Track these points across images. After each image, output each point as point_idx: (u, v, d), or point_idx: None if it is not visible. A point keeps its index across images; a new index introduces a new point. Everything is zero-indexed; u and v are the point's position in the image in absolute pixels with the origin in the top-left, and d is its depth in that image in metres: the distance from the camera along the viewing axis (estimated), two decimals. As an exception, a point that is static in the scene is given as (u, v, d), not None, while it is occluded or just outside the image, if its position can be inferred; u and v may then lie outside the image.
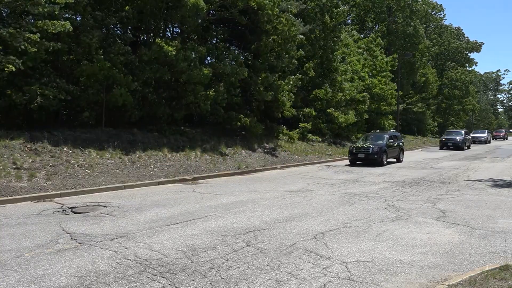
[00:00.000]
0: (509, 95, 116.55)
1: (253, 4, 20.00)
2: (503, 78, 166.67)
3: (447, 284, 4.87)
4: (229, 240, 6.64)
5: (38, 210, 8.93)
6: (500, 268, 5.29)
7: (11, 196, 9.89)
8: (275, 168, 18.60)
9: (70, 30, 13.80)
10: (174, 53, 17.07)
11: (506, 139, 62.54)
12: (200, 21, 18.92)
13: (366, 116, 33.44)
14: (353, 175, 16.17)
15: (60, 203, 9.71)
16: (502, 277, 4.96)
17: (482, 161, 23.26)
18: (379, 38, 41.81)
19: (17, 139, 13.35)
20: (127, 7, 17.90)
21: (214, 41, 23.04)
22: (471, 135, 43.90)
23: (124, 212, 8.83)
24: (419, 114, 51.04)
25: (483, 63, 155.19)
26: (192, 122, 22.91)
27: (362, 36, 44.21)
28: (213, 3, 20.04)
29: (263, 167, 18.21)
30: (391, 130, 25.65)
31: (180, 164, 16.10)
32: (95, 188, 11.47)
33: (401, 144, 23.14)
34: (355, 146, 21.12)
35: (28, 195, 10.07)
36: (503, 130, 69.73)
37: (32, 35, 13.01)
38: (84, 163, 13.58)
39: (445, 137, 36.03)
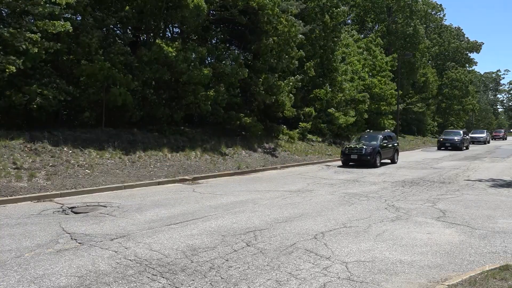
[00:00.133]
0: (509, 95, 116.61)
1: (253, 4, 20.00)
2: (503, 78, 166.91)
3: (447, 284, 4.87)
4: (229, 240, 6.64)
5: (38, 210, 8.93)
6: (500, 268, 5.29)
7: (11, 196, 9.89)
8: (275, 168, 18.61)
9: (70, 30, 13.80)
10: (174, 54, 17.07)
11: (506, 139, 62.28)
12: (200, 21, 18.90)
13: (366, 116, 33.42)
14: (353, 175, 16.17)
15: (60, 203, 9.71)
16: (502, 277, 4.96)
17: (482, 161, 23.26)
18: (379, 38, 41.82)
19: (17, 139, 13.35)
20: (127, 7, 17.89)
21: (214, 41, 23.05)
22: (470, 135, 43.48)
23: (124, 212, 8.83)
24: (419, 114, 51.01)
25: (483, 63, 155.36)
26: (192, 122, 22.91)
27: (362, 36, 44.22)
28: (213, 3, 20.04)
29: (263, 167, 18.21)
30: (386, 130, 24.77)
31: (180, 164, 16.10)
32: (95, 188, 11.47)
33: (395, 144, 22.58)
34: (347, 146, 20.59)
35: (28, 195, 10.07)
36: (502, 130, 69.23)
37: (33, 35, 13.00)
38: (84, 163, 13.57)
39: (443, 137, 35.60)
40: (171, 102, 19.22)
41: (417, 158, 25.20)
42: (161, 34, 20.28)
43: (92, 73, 15.66)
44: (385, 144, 20.86)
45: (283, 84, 22.74)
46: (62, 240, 6.59)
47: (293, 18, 22.84)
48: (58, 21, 13.46)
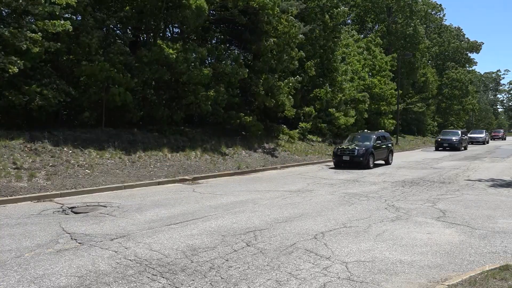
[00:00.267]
0: (509, 95, 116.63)
1: (253, 4, 19.99)
2: (503, 78, 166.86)
3: (447, 284, 4.87)
4: (229, 240, 6.64)
5: (38, 210, 8.93)
6: (500, 268, 5.29)
7: (11, 196, 9.89)
8: (275, 168, 18.61)
9: (70, 29, 13.78)
10: (174, 56, 17.08)
11: (505, 139, 61.98)
12: (200, 21, 18.90)
13: (366, 115, 33.41)
14: (353, 175, 16.17)
15: (60, 203, 9.71)
16: (502, 277, 4.96)
17: (482, 161, 23.25)
18: (378, 38, 41.85)
19: (17, 139, 13.35)
20: (127, 7, 17.90)
21: (214, 42, 23.05)
22: (469, 135, 42.80)
23: (124, 212, 8.83)
24: (419, 114, 51.00)
25: (483, 63, 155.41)
26: (192, 122, 22.92)
27: (362, 36, 44.24)
28: (213, 3, 20.05)
29: (263, 167, 18.21)
30: (380, 130, 23.96)
31: (180, 164, 16.10)
32: (95, 188, 11.47)
33: (390, 145, 21.81)
34: (339, 147, 19.78)
35: (28, 195, 10.07)
36: (502, 130, 68.56)
37: (34, 34, 12.98)
38: (84, 163, 13.57)
39: (441, 137, 34.69)
40: (171, 102, 19.23)
41: (417, 158, 25.19)
42: (161, 34, 20.29)
43: (92, 73, 15.66)
44: (378, 145, 20.21)
45: (282, 84, 22.75)
46: (62, 240, 6.59)
47: (294, 18, 22.85)
48: (58, 21, 13.44)
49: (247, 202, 10.18)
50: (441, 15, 64.27)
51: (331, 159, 22.90)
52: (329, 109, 28.20)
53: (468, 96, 65.20)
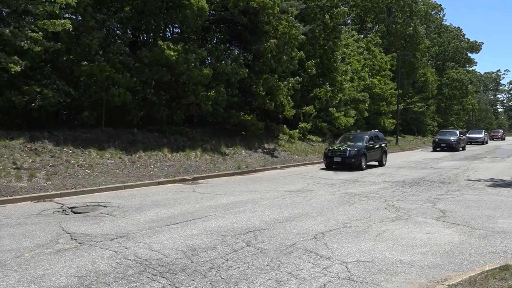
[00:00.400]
0: (509, 95, 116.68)
1: (253, 4, 19.99)
2: (503, 78, 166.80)
3: (447, 284, 4.87)
4: (229, 240, 6.64)
5: (38, 210, 8.93)
6: (500, 268, 5.29)
7: (11, 196, 9.89)
8: (275, 168, 18.61)
9: (70, 29, 13.75)
10: (175, 58, 17.07)
11: (504, 139, 61.83)
12: (200, 22, 18.90)
13: (366, 114, 33.39)
14: (353, 175, 16.17)
15: (60, 203, 9.71)
16: (502, 277, 4.96)
17: (482, 161, 23.26)
18: (378, 37, 41.87)
19: (17, 139, 13.35)
20: (127, 8, 17.89)
21: (214, 42, 23.05)
22: (467, 135, 42.17)
23: (124, 212, 8.83)
24: (419, 114, 51.01)
25: (483, 63, 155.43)
26: (192, 122, 22.92)
27: (362, 36, 44.27)
28: (214, 3, 20.04)
29: (263, 167, 18.21)
30: (373, 130, 23.24)
31: (180, 164, 16.10)
32: (95, 188, 11.47)
33: (383, 145, 20.90)
34: (330, 148, 19.06)
35: (28, 195, 10.07)
36: (501, 130, 67.99)
37: (35, 34, 12.97)
38: (84, 163, 13.57)
39: (438, 137, 33.85)
40: (171, 102, 19.23)
41: (417, 158, 25.20)
42: (161, 34, 20.29)
43: (92, 74, 15.67)
44: (371, 145, 19.48)
45: (282, 85, 22.75)
46: (62, 240, 6.59)
47: (294, 19, 22.84)
48: (58, 20, 13.43)
49: (247, 202, 10.18)
50: (441, 15, 64.36)
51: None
52: (329, 109, 28.19)
53: (468, 96, 65.18)
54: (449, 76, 61.72)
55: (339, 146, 18.89)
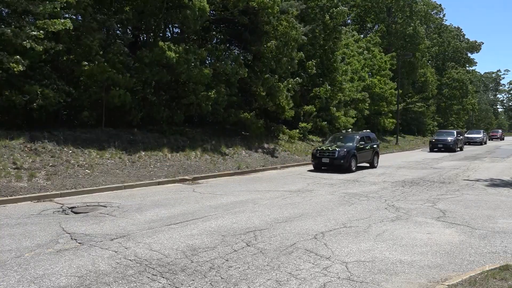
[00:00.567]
0: (509, 95, 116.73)
1: (253, 4, 19.98)
2: (503, 78, 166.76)
3: (447, 284, 4.87)
4: (229, 240, 6.64)
5: (38, 210, 8.93)
6: (500, 268, 5.29)
7: (11, 196, 9.89)
8: (275, 168, 18.61)
9: (71, 28, 13.72)
10: (175, 59, 17.07)
11: (503, 139, 61.71)
12: (200, 22, 18.89)
13: (367, 113, 33.37)
14: (353, 175, 16.17)
15: (60, 203, 9.71)
16: (502, 277, 4.96)
17: (482, 161, 23.26)
18: (377, 37, 41.88)
19: (17, 139, 13.35)
20: (127, 8, 17.88)
21: (214, 42, 23.05)
22: (466, 135, 41.55)
23: (124, 212, 8.83)
24: (419, 114, 51.04)
25: (483, 63, 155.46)
26: (192, 122, 22.92)
27: (362, 36, 44.29)
28: (214, 3, 20.04)
29: (263, 167, 18.21)
30: (364, 131, 22.35)
31: (180, 164, 16.10)
32: (95, 188, 11.47)
33: (375, 146, 19.94)
34: (319, 148, 18.17)
35: (28, 195, 10.07)
36: (500, 130, 67.52)
37: (37, 33, 12.96)
38: (84, 163, 13.57)
39: (435, 138, 33.15)
40: (171, 102, 19.22)
41: (417, 158, 25.20)
42: (161, 35, 20.28)
43: (92, 74, 15.66)
44: (362, 146, 18.61)
45: (282, 86, 22.74)
46: (62, 240, 6.59)
47: (294, 20, 22.83)
48: (58, 20, 13.41)
49: (247, 202, 10.18)
50: (441, 15, 64.42)
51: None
52: (330, 107, 28.18)
53: (468, 96, 65.18)
54: (449, 76, 61.76)
55: (328, 146, 18.00)
